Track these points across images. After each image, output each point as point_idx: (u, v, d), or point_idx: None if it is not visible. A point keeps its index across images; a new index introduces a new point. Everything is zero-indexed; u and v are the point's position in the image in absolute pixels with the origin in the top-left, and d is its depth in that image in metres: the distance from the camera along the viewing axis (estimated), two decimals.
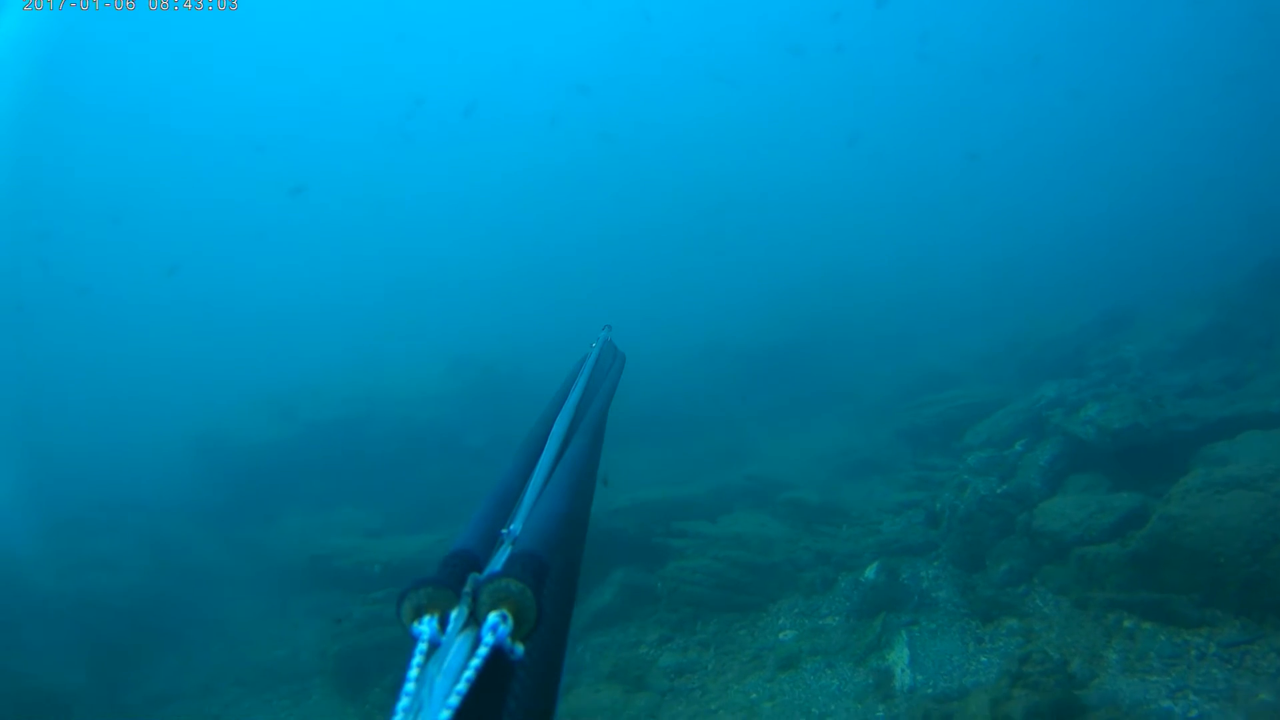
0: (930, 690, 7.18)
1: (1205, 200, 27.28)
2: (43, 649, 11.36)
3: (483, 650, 0.96)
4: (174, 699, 10.82)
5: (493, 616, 1.01)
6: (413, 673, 0.94)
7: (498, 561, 1.28)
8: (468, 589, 1.08)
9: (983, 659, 7.50)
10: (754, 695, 8.02)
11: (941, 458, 12.36)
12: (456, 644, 0.99)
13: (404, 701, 0.90)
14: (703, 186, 35.46)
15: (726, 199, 34.59)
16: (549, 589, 1.16)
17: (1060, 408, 11.12)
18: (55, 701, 10.34)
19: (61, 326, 32.59)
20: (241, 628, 12.56)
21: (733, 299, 24.21)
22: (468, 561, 1.21)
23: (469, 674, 0.93)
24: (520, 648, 1.01)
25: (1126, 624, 7.17)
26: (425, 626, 1.02)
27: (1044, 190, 33.73)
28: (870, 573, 9.12)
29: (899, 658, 7.75)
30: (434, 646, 1.00)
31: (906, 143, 40.93)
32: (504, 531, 1.39)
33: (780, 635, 9.04)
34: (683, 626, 9.65)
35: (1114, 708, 6.14)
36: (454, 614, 1.05)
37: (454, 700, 0.89)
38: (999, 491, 9.58)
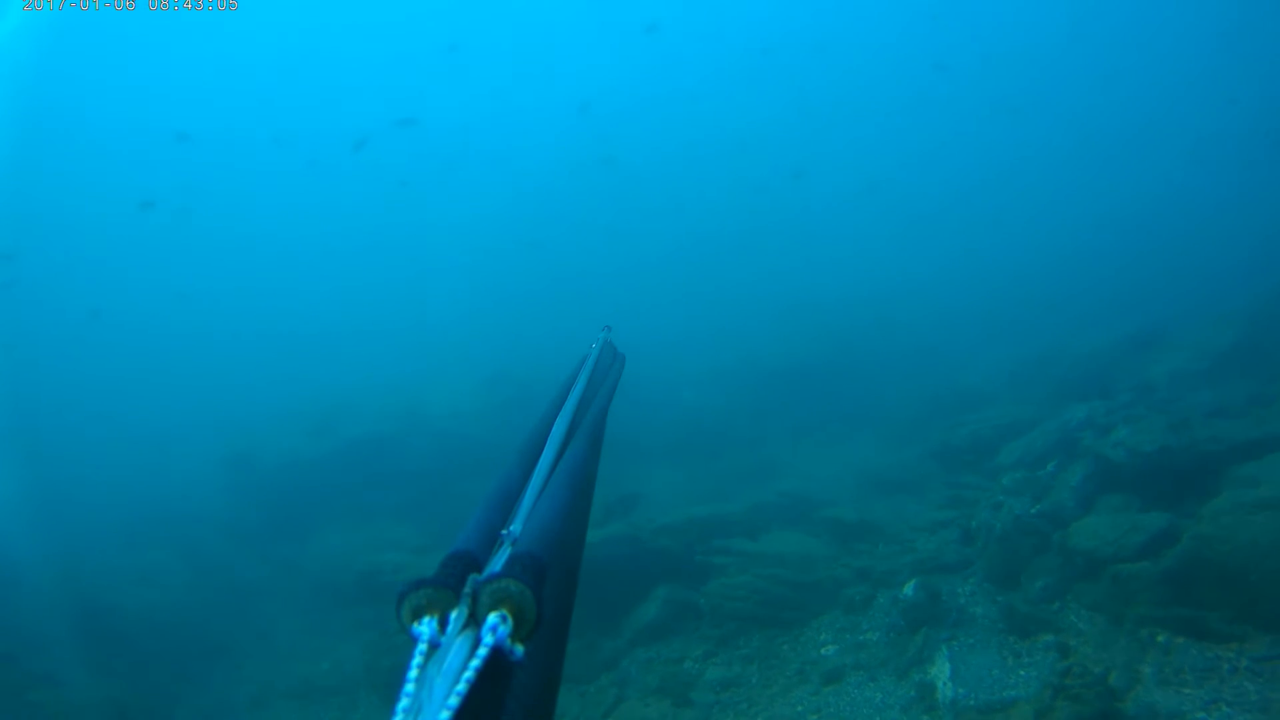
0: (973, 702, 7.48)
1: (1237, 214, 27.25)
2: (96, 664, 11.67)
3: (482, 651, 0.97)
4: (225, 712, 11.11)
5: (492, 617, 1.02)
6: (412, 673, 0.95)
7: (497, 562, 1.29)
8: (467, 590, 1.10)
9: (1021, 672, 7.79)
10: (800, 708, 8.33)
11: (974, 476, 12.56)
12: (456, 645, 1.00)
13: (404, 702, 0.91)
14: (733, 203, 35.63)
15: (758, 214, 34.80)
16: (549, 589, 1.16)
17: (1091, 429, 11.38)
18: (109, 715, 10.59)
19: (101, 342, 33.04)
20: (285, 642, 12.84)
21: (763, 316, 24.32)
22: (467, 562, 1.23)
23: (469, 675, 0.94)
24: (520, 648, 1.02)
25: (1160, 639, 7.45)
26: (425, 627, 1.03)
27: (1073, 205, 33.73)
28: (909, 589, 9.41)
29: (940, 671, 8.05)
30: (434, 647, 1.01)
31: (935, 156, 41.05)
32: (504, 532, 1.42)
33: (823, 650, 9.33)
34: (726, 642, 9.94)
35: (1152, 719, 6.45)
36: (454, 615, 1.06)
37: (454, 701, 0.90)
38: (1033, 511, 9.85)
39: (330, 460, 18.82)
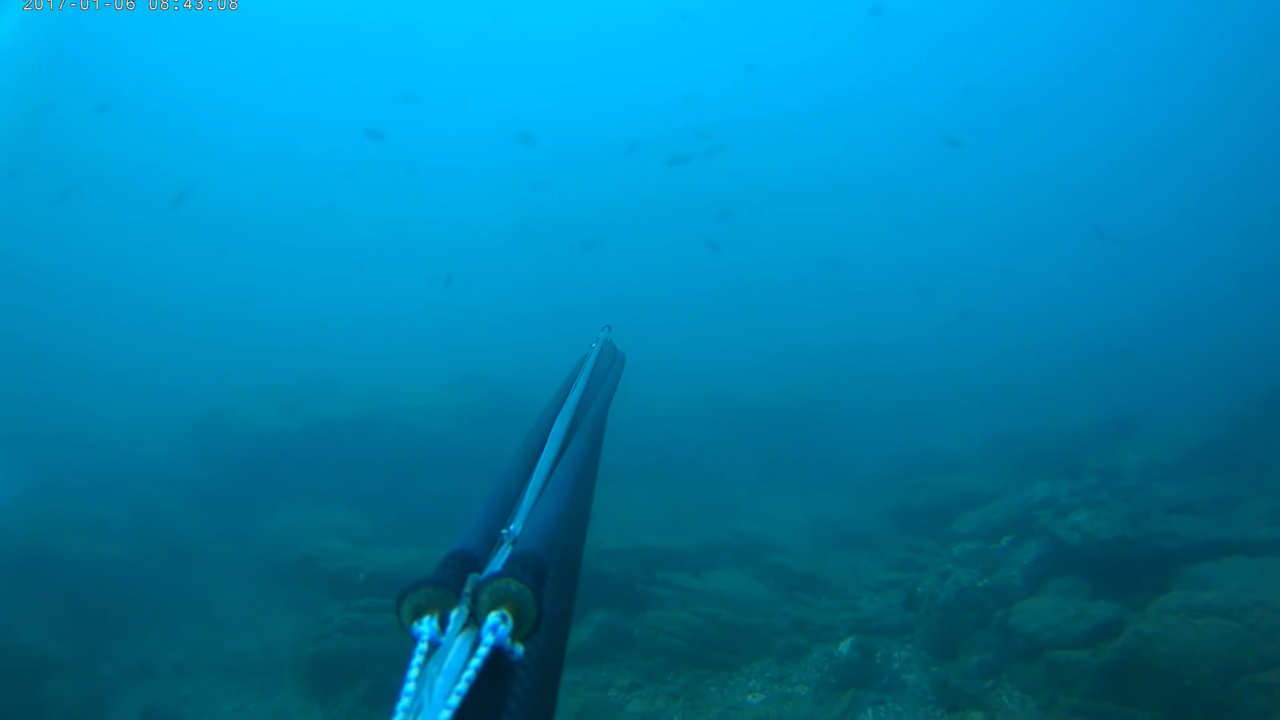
0: None
1: (1235, 310, 27.41)
2: (29, 609, 11.47)
3: (483, 650, 0.97)
4: (149, 675, 10.89)
5: (493, 617, 1.02)
6: (413, 673, 0.95)
7: (497, 562, 1.29)
8: (468, 589, 1.09)
9: None
10: None
11: (928, 541, 12.40)
12: (456, 644, 1.00)
13: (404, 701, 0.90)
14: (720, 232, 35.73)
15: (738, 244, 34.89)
16: (549, 589, 1.18)
17: (1050, 509, 11.23)
18: (33, 662, 10.36)
19: (81, 295, 32.87)
20: (222, 613, 12.62)
21: (741, 352, 24.28)
22: (467, 562, 1.22)
23: (469, 674, 0.93)
24: (520, 648, 1.02)
25: None
26: (425, 627, 1.03)
27: (1071, 282, 33.91)
28: (844, 647, 9.25)
29: None
30: (434, 647, 1.00)
31: (928, 220, 41.26)
32: (504, 532, 1.40)
33: (749, 697, 9.15)
34: (654, 675, 9.76)
35: None
36: (454, 614, 1.06)
37: (454, 700, 0.89)
38: (980, 584, 9.69)
39: (297, 437, 18.63)
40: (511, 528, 1.41)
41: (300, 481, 16.88)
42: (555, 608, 1.27)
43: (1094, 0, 45.75)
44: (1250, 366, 18.38)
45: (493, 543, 1.36)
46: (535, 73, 50.58)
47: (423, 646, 1.00)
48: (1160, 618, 7.53)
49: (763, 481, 17.16)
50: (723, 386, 21.45)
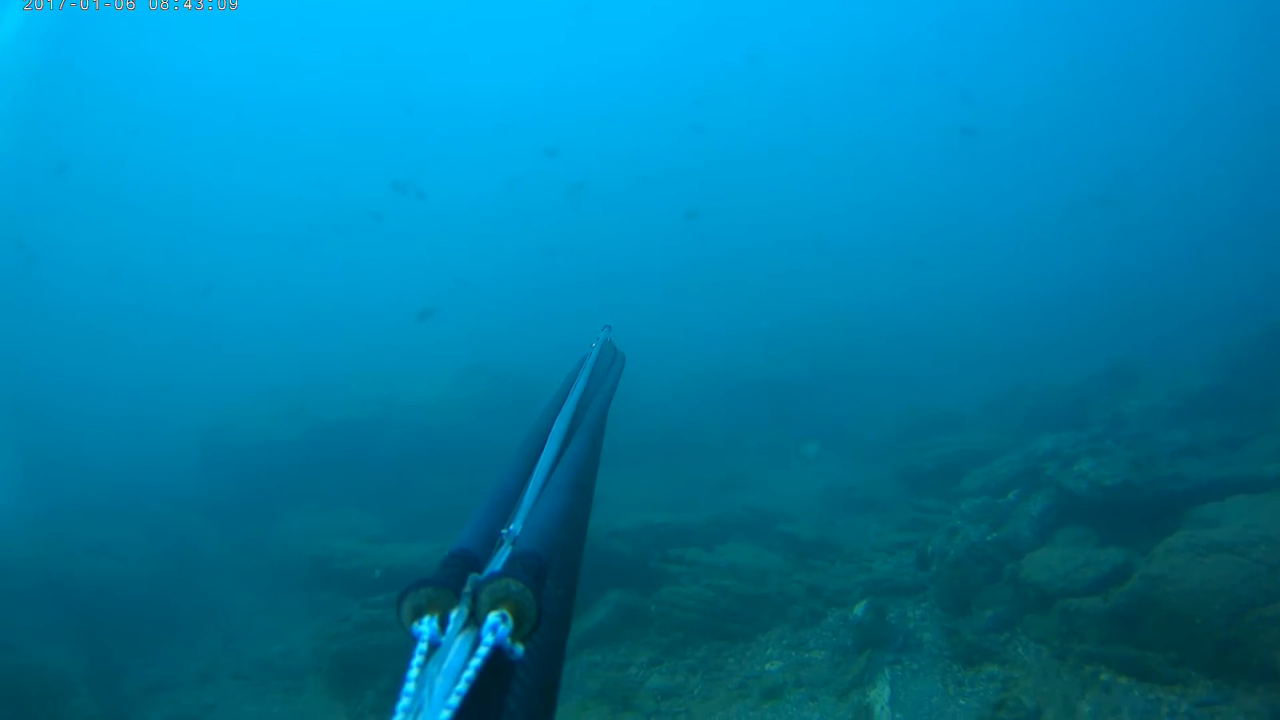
0: None
1: (1225, 254, 27.36)
2: (47, 631, 11.54)
3: (483, 650, 0.97)
4: (171, 687, 10.96)
5: (493, 617, 1.01)
6: (412, 673, 0.94)
7: (498, 561, 1.28)
8: (468, 589, 1.08)
9: (961, 702, 7.67)
10: None
11: (937, 500, 12.46)
12: (456, 644, 0.99)
13: (404, 702, 0.90)
14: (719, 209, 35.57)
15: (743, 222, 34.85)
16: (549, 589, 1.18)
17: (1056, 460, 11.26)
18: (57, 682, 10.43)
19: (81, 311, 32.88)
20: (239, 621, 12.71)
21: (742, 326, 24.29)
22: (467, 562, 1.22)
23: (469, 674, 0.93)
24: (520, 648, 1.02)
25: (1103, 677, 7.32)
26: (425, 627, 1.03)
27: (1061, 236, 33.84)
28: (859, 610, 9.31)
29: (880, 695, 7.92)
30: (434, 647, 1.00)
31: (923, 183, 41.17)
32: (504, 531, 1.40)
33: (767, 665, 9.21)
34: (672, 650, 9.81)
35: None
36: (454, 614, 1.05)
37: (454, 700, 0.89)
38: (989, 539, 9.75)
39: (302, 443, 18.80)
40: (511, 527, 1.41)
41: (307, 487, 17.03)
42: (555, 608, 1.26)
43: None
44: (1245, 309, 18.40)
45: (493, 542, 1.37)
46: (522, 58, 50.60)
47: (423, 646, 1.00)
48: (1167, 558, 7.57)
49: (768, 453, 17.20)
50: (723, 362, 21.49)
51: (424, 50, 49.63)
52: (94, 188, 39.43)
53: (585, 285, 30.08)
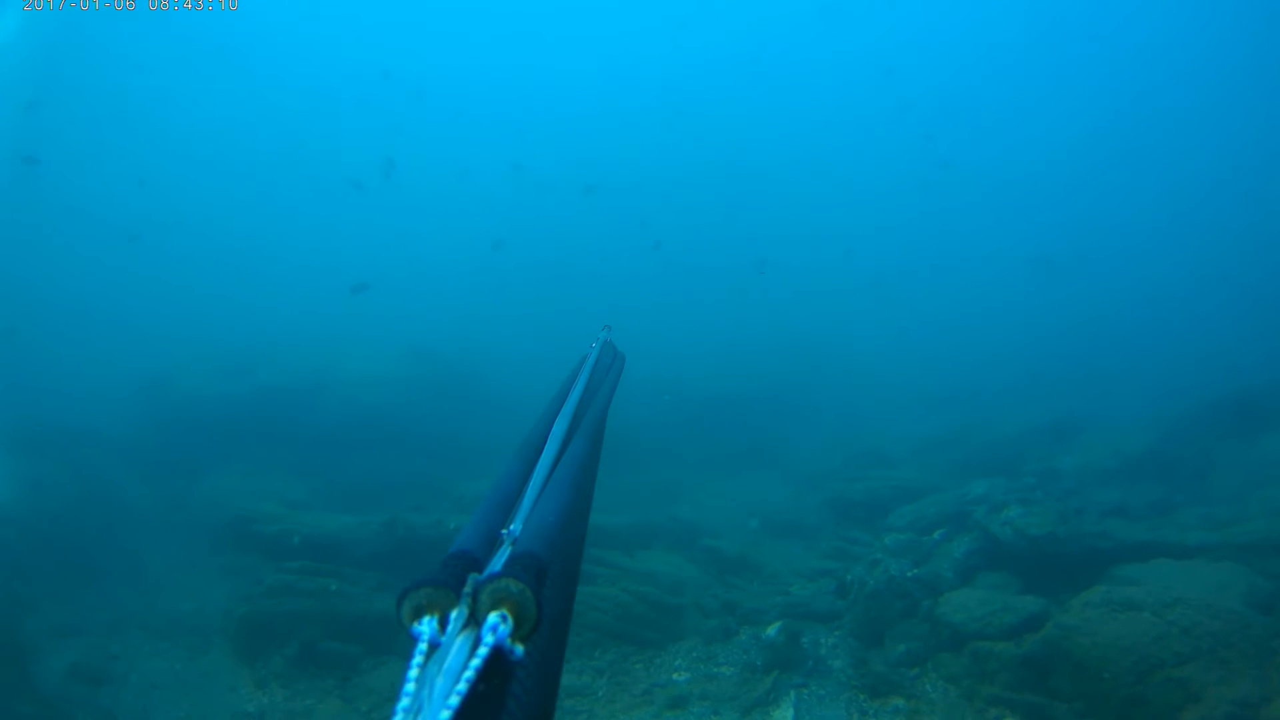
0: None
1: (1181, 317, 27.91)
2: None
3: (483, 651, 0.96)
4: (80, 632, 10.75)
5: (493, 617, 1.01)
6: (413, 673, 0.94)
7: (497, 562, 1.28)
8: (468, 589, 1.08)
9: None
10: None
11: (863, 532, 12.44)
12: (456, 644, 0.99)
13: (404, 702, 0.90)
14: (674, 219, 35.72)
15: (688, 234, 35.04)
16: (549, 589, 1.16)
17: (985, 505, 11.23)
18: None
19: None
20: (156, 575, 12.53)
21: (692, 340, 24.26)
22: (468, 562, 1.21)
23: (469, 674, 0.93)
24: (520, 648, 1.01)
25: None
26: (425, 627, 1.02)
27: (1018, 290, 34.34)
28: (772, 631, 9.22)
29: (783, 716, 7.81)
30: (434, 647, 1.00)
31: (891, 218, 41.66)
32: (504, 532, 1.39)
33: (674, 675, 9.09)
34: (581, 651, 9.67)
35: None
36: (454, 614, 1.05)
37: (454, 700, 0.89)
38: (909, 574, 9.70)
39: (241, 403, 18.58)
40: (511, 528, 1.40)
41: (240, 448, 16.81)
42: (555, 608, 1.26)
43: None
44: (1192, 376, 18.69)
45: (493, 543, 1.35)
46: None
47: (423, 646, 0.99)
48: (1083, 611, 7.54)
49: (705, 469, 17.17)
50: (666, 371, 21.40)
51: (403, 18, 49.52)
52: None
53: (539, 285, 30.08)
